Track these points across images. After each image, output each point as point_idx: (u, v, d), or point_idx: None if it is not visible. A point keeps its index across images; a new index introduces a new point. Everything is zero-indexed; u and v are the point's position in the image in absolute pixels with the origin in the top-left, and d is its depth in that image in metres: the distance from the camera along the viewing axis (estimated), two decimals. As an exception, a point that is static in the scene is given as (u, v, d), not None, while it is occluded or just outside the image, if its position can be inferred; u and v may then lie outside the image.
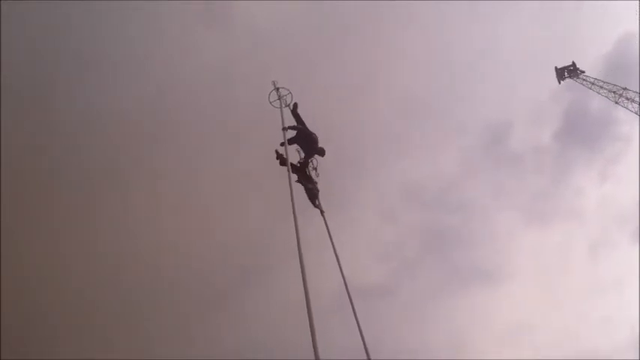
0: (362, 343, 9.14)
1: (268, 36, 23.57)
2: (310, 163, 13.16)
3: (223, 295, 22.19)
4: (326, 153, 10.67)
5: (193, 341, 21.18)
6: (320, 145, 10.85)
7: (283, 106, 10.50)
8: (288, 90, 10.55)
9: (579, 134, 29.20)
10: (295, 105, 10.63)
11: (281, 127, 10.21)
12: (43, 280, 20.48)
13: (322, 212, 12.28)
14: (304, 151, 10.37)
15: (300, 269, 7.13)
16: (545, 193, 28.74)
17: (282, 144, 10.33)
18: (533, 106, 28.81)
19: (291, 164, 12.56)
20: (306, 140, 10.37)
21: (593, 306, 26.00)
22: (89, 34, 22.68)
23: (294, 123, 10.68)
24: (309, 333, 6.75)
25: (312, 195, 12.77)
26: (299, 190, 9.15)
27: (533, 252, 27.61)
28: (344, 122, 25.87)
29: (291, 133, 10.32)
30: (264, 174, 9.74)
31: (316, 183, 12.99)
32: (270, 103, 10.50)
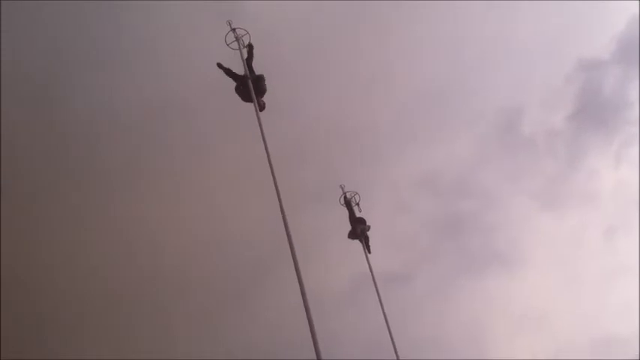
0: (390, 340, 9.18)
1: (279, 28, 23.46)
2: (353, 199, 13.56)
3: (235, 292, 22.31)
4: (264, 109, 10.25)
5: (205, 340, 21.34)
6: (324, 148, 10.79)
7: (242, 47, 10.34)
8: (246, 30, 10.44)
9: (593, 117, 28.75)
10: (251, 46, 10.41)
11: (243, 73, 10.09)
12: (46, 280, 20.71)
13: (362, 242, 12.59)
14: (247, 94, 10.06)
15: (313, 274, 7.08)
16: (559, 177, 28.39)
17: (238, 87, 10.18)
18: (547, 90, 28.38)
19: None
20: (256, 87, 10.11)
21: (611, 291, 25.70)
22: (91, 32, 22.79)
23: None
24: (322, 330, 6.68)
25: (360, 233, 13.05)
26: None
27: (549, 237, 27.32)
28: (358, 113, 25.69)
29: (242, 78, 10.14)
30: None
31: (365, 222, 13.32)
32: (228, 45, 10.43)
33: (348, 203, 13.65)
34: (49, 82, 21.75)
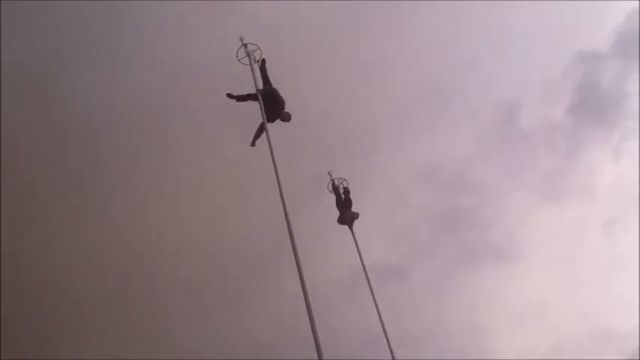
0: (385, 339, 9.21)
1: (279, 26, 23.55)
2: (341, 185, 13.66)
3: (235, 290, 22.38)
4: (291, 118, 10.41)
5: (205, 338, 21.39)
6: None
7: (253, 62, 10.41)
8: (257, 46, 10.57)
9: (592, 111, 28.74)
10: (263, 61, 10.59)
11: (255, 88, 10.11)
12: (46, 279, 20.73)
13: (352, 228, 12.62)
14: (267, 112, 9.99)
15: (313, 269, 7.10)
16: (558, 171, 28.39)
17: (244, 96, 10.23)
18: (546, 83, 28.36)
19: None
20: (272, 101, 10.19)
21: (610, 285, 25.77)
22: (91, 32, 22.79)
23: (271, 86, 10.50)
24: (321, 325, 6.72)
25: (349, 218, 13.11)
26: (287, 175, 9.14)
27: (548, 231, 27.32)
28: (355, 107, 25.72)
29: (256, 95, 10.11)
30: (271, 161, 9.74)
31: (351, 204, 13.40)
32: (239, 60, 10.51)
33: (335, 189, 13.76)
34: (49, 82, 21.80)
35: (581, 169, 28.05)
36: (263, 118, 9.73)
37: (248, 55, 10.43)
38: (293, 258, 7.43)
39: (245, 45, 10.49)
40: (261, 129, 10.06)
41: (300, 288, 7.03)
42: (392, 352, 8.81)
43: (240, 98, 10.36)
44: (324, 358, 6.18)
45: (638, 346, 21.92)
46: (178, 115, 23.13)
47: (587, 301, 25.23)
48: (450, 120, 27.42)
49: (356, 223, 13.15)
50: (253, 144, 10.28)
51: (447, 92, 26.49)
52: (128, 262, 21.79)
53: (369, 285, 10.14)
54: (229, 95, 10.49)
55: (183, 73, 22.80)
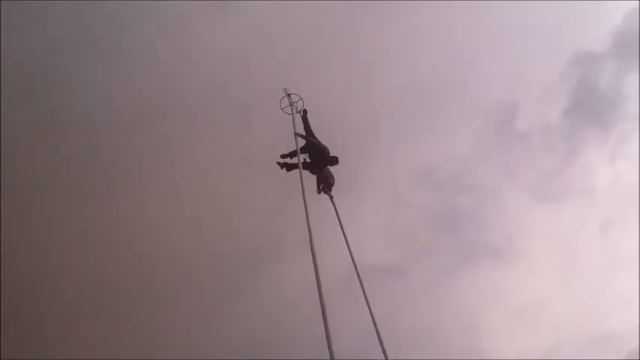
0: (378, 341, 9.12)
1: (274, 21, 23.55)
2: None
3: (235, 289, 22.39)
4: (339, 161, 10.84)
5: (206, 337, 21.41)
6: (331, 151, 10.80)
7: (295, 112, 10.83)
8: (299, 96, 11.06)
9: (590, 112, 28.75)
10: (305, 112, 11.05)
11: (293, 133, 10.37)
12: (46, 279, 20.73)
13: (332, 198, 12.45)
14: (314, 163, 10.50)
15: (312, 268, 7.04)
16: (556, 171, 28.41)
17: (292, 153, 10.52)
18: (543, 85, 28.37)
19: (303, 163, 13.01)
20: (316, 152, 10.67)
21: (610, 284, 25.78)
22: (91, 32, 22.80)
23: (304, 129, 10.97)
24: (319, 325, 6.70)
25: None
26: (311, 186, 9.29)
27: (546, 231, 27.32)
28: (354, 107, 25.72)
29: (301, 142, 10.44)
30: (272, 160, 10.01)
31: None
32: (282, 109, 10.97)
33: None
34: (49, 82, 21.84)
35: (579, 170, 28.09)
36: (298, 160, 9.76)
37: (291, 105, 10.82)
38: (293, 258, 7.45)
39: (288, 95, 10.92)
40: (321, 177, 10.53)
41: (304, 289, 7.04)
42: (384, 352, 8.74)
43: (292, 156, 10.65)
44: (324, 358, 6.17)
45: (637, 346, 21.94)
46: (178, 115, 23.18)
47: (586, 301, 25.28)
48: (450, 120, 27.45)
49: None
50: (327, 193, 10.55)
51: (446, 92, 26.51)
52: (128, 262, 21.81)
53: (355, 267, 10.04)
54: (283, 156, 10.77)
55: (183, 73, 22.84)
